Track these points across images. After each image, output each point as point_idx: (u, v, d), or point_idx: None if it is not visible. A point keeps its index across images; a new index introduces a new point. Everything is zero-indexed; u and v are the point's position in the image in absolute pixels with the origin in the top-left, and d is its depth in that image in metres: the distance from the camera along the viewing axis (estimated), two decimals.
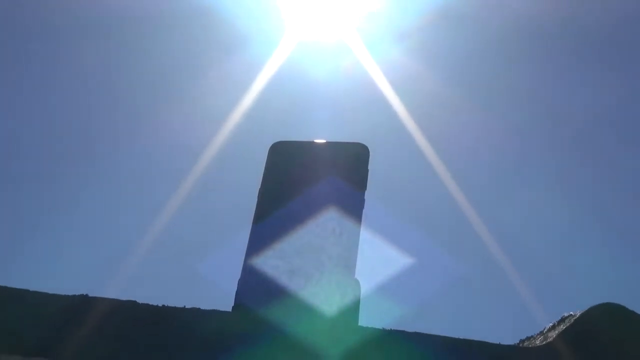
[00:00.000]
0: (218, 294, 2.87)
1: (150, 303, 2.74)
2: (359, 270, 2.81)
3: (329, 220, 2.80)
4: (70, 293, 2.78)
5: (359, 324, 2.76)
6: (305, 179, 2.90)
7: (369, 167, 2.97)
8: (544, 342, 2.70)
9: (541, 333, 2.83)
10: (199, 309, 2.72)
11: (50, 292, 2.79)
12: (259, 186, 2.97)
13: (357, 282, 2.79)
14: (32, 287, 2.80)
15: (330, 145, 2.97)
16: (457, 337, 2.68)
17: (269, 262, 2.75)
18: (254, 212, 2.91)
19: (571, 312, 2.79)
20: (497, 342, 2.71)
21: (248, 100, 6.66)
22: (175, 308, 2.71)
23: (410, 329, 2.73)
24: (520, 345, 2.81)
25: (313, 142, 2.99)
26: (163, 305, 2.73)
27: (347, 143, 2.98)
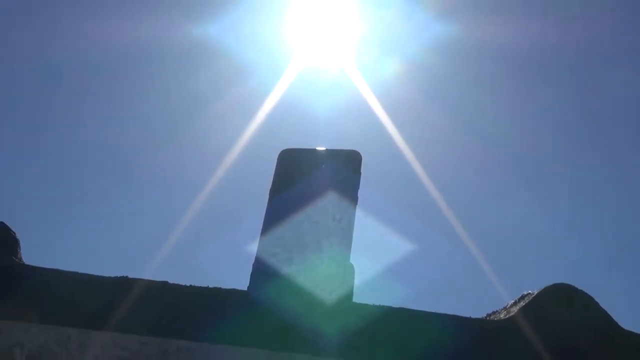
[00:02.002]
0: (237, 275, 2.88)
1: (179, 283, 2.75)
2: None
3: (329, 208, 2.80)
4: (113, 275, 2.78)
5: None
6: (308, 178, 2.91)
7: (361, 171, 2.97)
8: (507, 316, 2.72)
9: (505, 308, 2.84)
10: (220, 288, 2.73)
11: (97, 274, 2.79)
12: (269, 185, 2.98)
13: (352, 266, 2.79)
14: (82, 270, 2.80)
15: (329, 151, 2.99)
16: (434, 311, 2.68)
17: (276, 250, 2.76)
18: (265, 207, 2.92)
19: (530, 291, 2.81)
20: (468, 316, 2.72)
21: (261, 115, 6.68)
22: (200, 287, 2.73)
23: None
24: (487, 318, 2.82)
25: (315, 149, 3.00)
26: (190, 285, 2.73)
27: (343, 150, 2.99)
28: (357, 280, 2.79)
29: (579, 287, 2.75)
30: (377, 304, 2.72)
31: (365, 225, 3.07)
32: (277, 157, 3.03)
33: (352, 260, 2.80)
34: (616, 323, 2.68)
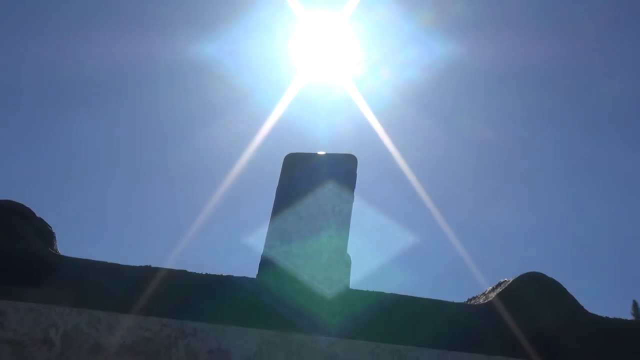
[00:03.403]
0: (247, 265, 2.88)
1: (196, 272, 2.75)
2: None
3: (328, 200, 2.80)
4: (137, 264, 2.79)
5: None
6: (310, 178, 2.92)
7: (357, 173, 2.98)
8: (486, 301, 2.72)
9: (483, 294, 2.85)
10: (232, 275, 2.74)
11: (123, 264, 2.79)
12: (276, 185, 2.98)
13: (348, 257, 2.79)
14: (110, 260, 2.81)
15: (328, 155, 3.00)
16: (420, 296, 2.69)
17: (280, 242, 2.76)
18: (272, 204, 2.92)
19: (506, 279, 2.82)
20: (451, 301, 2.72)
21: (268, 125, 6.71)
22: (214, 275, 2.75)
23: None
24: (468, 302, 2.82)
25: (316, 153, 3.01)
26: (206, 273, 2.74)
27: (341, 154, 3.00)
28: (354, 271, 2.78)
29: (550, 275, 2.76)
30: (371, 290, 2.72)
31: (359, 224, 3.06)
32: (282, 160, 3.04)
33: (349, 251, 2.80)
34: (582, 307, 2.70)
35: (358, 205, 2.93)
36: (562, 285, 2.73)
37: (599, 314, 2.69)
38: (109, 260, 2.80)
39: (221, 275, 2.75)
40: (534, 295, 2.69)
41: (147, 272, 2.74)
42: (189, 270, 2.76)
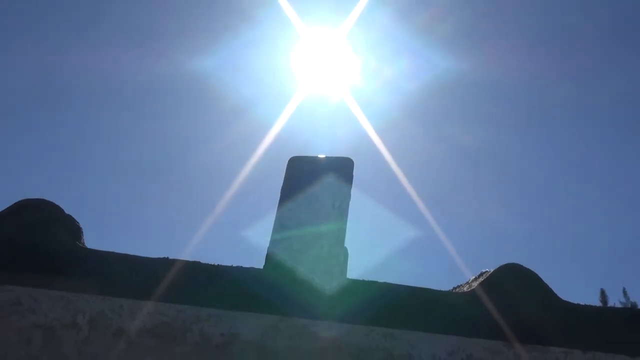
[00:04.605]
0: (256, 256, 2.94)
1: (209, 262, 2.81)
2: None
3: (328, 195, 2.85)
4: (156, 256, 2.84)
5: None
6: (311, 178, 2.98)
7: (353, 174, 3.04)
8: (469, 289, 2.77)
9: (467, 283, 2.92)
10: (242, 266, 2.80)
11: (144, 256, 2.85)
12: (281, 185, 3.04)
13: (346, 250, 2.84)
14: (132, 252, 2.88)
15: (328, 158, 3.07)
16: (410, 285, 2.74)
17: (283, 236, 2.81)
18: (278, 202, 2.98)
19: (487, 269, 2.87)
20: (438, 289, 2.77)
21: (274, 132, 6.77)
22: (225, 266, 2.82)
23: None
24: (453, 290, 2.87)
25: (317, 156, 3.07)
26: (217, 264, 2.79)
27: (339, 157, 3.06)
28: (355, 266, 2.83)
29: (526, 266, 2.81)
30: (366, 279, 2.77)
31: (357, 222, 3.11)
32: (286, 163, 3.10)
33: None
34: (555, 294, 2.75)
35: (357, 205, 2.98)
36: (537, 275, 2.79)
37: (570, 300, 2.75)
38: (131, 253, 2.88)
39: (231, 266, 2.81)
40: (512, 284, 2.75)
41: (165, 263, 2.80)
42: (203, 261, 2.81)
